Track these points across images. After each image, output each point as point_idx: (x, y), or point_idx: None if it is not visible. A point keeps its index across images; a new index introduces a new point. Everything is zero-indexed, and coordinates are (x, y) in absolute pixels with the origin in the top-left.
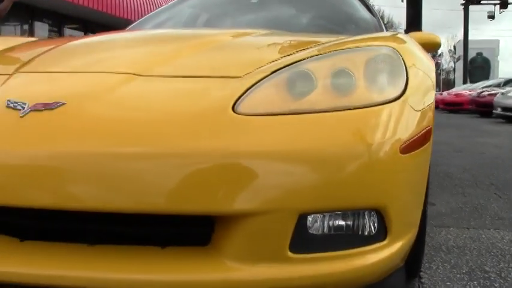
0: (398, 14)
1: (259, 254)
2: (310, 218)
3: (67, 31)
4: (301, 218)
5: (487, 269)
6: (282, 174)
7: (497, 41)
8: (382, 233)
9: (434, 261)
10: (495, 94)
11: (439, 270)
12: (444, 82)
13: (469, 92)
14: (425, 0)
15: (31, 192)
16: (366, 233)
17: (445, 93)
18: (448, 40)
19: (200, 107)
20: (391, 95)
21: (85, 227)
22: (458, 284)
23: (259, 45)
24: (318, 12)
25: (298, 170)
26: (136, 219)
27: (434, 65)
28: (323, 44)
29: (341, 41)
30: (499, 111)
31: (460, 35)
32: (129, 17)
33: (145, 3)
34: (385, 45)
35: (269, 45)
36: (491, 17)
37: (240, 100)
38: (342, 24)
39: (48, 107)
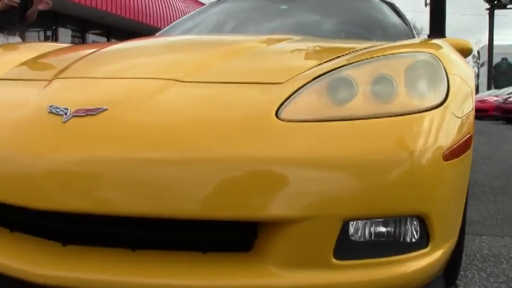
0: (421, 18)
1: (303, 260)
2: (352, 225)
3: (90, 37)
4: (344, 225)
5: None
6: (326, 181)
7: None
8: (424, 240)
9: (470, 270)
10: None
11: (475, 279)
12: None
13: (494, 98)
14: (449, 5)
15: (74, 197)
16: (408, 240)
17: None
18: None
19: (243, 113)
20: (432, 101)
21: (127, 233)
22: None
23: (296, 51)
24: (348, 19)
25: (342, 177)
26: (177, 225)
27: (472, 70)
28: (360, 50)
29: (378, 47)
30: None
31: (484, 40)
32: (151, 23)
33: (167, 10)
34: (424, 51)
35: (306, 51)
36: None
37: (283, 106)
38: (374, 31)
39: (90, 112)
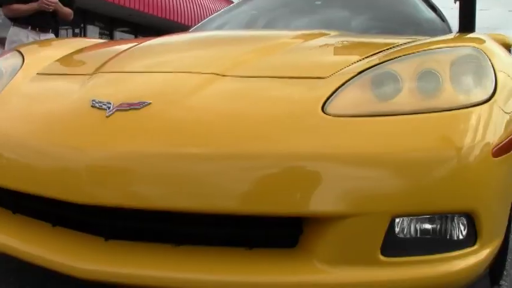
0: (450, 14)
1: (349, 257)
2: (399, 222)
3: (117, 34)
4: (392, 221)
5: None
6: (374, 177)
7: None
8: (471, 239)
9: None
10: None
11: None
12: None
13: None
14: (479, 1)
15: (116, 192)
16: (455, 238)
17: None
18: None
19: (288, 108)
20: (480, 97)
21: (171, 228)
22: None
23: (336, 46)
24: (383, 14)
25: (390, 173)
26: (222, 221)
27: None
28: (400, 45)
29: (421, 41)
30: None
31: None
32: (179, 20)
33: (195, 7)
34: (469, 46)
35: (345, 46)
36: None
37: (328, 101)
38: (410, 26)
39: (133, 106)
